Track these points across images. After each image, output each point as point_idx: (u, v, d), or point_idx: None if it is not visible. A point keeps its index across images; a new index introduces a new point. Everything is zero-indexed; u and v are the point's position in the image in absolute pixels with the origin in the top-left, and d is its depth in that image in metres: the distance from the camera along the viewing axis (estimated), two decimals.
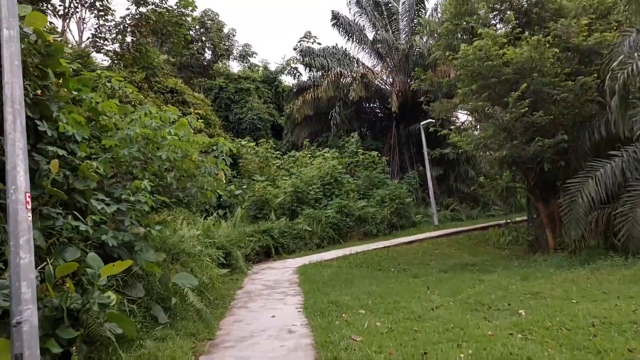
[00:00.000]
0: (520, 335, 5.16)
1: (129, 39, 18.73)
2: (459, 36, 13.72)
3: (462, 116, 25.59)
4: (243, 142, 22.42)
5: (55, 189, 4.45)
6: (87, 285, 4.43)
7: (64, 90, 4.99)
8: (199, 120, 8.22)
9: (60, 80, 5.03)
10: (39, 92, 4.56)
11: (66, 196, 4.50)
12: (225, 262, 11.76)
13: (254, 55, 38.65)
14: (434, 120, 19.09)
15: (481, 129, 12.33)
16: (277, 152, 23.40)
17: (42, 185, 4.39)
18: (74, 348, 3.93)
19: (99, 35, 17.93)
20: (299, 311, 7.37)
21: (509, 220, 15.01)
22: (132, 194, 5.38)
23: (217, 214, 17.09)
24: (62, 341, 4.08)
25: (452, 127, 19.33)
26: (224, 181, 7.95)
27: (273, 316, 7.10)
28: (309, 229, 14.99)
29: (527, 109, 10.65)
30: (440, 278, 10.05)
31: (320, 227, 15.32)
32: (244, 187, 18.05)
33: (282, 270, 11.78)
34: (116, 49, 19.65)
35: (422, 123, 19.03)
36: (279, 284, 10.10)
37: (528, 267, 10.63)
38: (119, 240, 4.97)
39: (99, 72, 6.76)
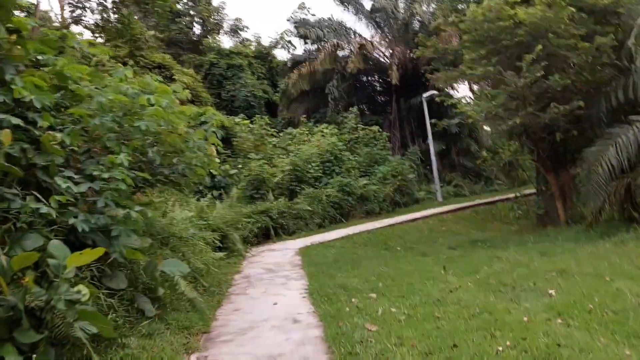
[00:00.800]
0: (560, 321, 4.50)
1: (110, 7, 17.73)
2: None
3: (464, 89, 24.78)
4: (237, 120, 21.56)
5: (9, 165, 3.69)
6: (54, 279, 3.71)
7: (18, 48, 4.18)
8: (185, 90, 7.40)
9: (14, 37, 4.22)
10: None
11: (21, 173, 3.74)
12: (221, 245, 11.08)
13: (246, 29, 37.35)
14: (437, 92, 18.30)
15: (489, 98, 11.51)
16: (273, 129, 22.53)
17: None
18: (35, 356, 3.22)
19: (78, 4, 16.88)
20: (304, 297, 6.71)
21: (518, 194, 14.33)
22: (107, 171, 4.61)
23: (212, 194, 16.37)
24: (23, 346, 3.39)
25: (457, 97, 18.57)
26: (215, 156, 7.16)
27: (275, 303, 6.44)
28: (309, 208, 14.30)
29: (542, 72, 9.84)
30: (452, 256, 9.40)
31: (321, 207, 14.64)
32: (239, 166, 17.28)
33: (283, 252, 11.12)
34: (97, 22, 18.63)
35: (424, 95, 18.20)
36: (280, 267, 9.44)
37: (544, 242, 9.98)
38: (91, 225, 4.23)
39: (64, 31, 5.89)
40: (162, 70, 21.44)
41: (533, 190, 15.52)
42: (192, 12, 36.78)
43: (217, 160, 7.38)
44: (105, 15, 19.24)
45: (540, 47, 10.06)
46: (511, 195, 19.16)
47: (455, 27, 15.58)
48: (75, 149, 4.96)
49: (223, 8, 37.58)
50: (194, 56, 32.89)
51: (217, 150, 8.45)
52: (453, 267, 8.09)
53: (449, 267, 8.07)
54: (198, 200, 14.96)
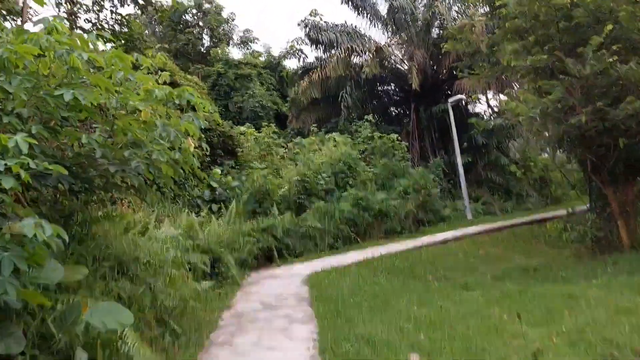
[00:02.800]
0: None
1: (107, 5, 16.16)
2: None
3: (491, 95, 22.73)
4: (242, 129, 19.69)
5: None
6: None
7: None
8: (164, 72, 5.49)
9: None
10: None
11: None
12: (213, 270, 9.07)
13: (256, 41, 35.92)
14: (463, 97, 16.30)
15: (540, 94, 9.43)
16: (282, 140, 20.61)
17: None
18: None
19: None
20: (312, 356, 4.63)
21: (570, 210, 12.12)
22: None
23: (210, 209, 14.40)
24: None
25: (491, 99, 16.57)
26: (194, 151, 5.17)
27: None
28: (320, 226, 12.21)
29: (615, 57, 7.77)
30: (505, 290, 7.24)
31: (334, 224, 12.54)
32: (243, 178, 15.32)
33: (287, 280, 9.03)
34: (93, 20, 17.04)
35: (450, 100, 16.17)
36: (283, 300, 7.35)
37: (622, 273, 7.78)
38: None
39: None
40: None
41: (582, 208, 13.32)
42: (200, 23, 35.50)
43: (194, 158, 5.33)
44: (101, 15, 17.73)
45: (610, 26, 8.01)
46: (547, 215, 16.98)
47: (487, 19, 13.70)
48: None
49: (232, 19, 36.26)
50: (201, 67, 31.40)
51: (201, 147, 6.47)
52: (513, 309, 5.96)
53: (509, 309, 5.95)
54: (196, 215, 13.05)
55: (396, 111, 24.01)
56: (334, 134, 17.54)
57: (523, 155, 22.06)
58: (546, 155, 24.00)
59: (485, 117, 21.70)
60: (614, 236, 10.85)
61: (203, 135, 10.17)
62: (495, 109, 20.81)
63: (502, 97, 10.57)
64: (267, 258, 11.14)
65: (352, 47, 19.34)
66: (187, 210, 12.32)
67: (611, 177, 10.90)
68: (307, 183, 13.94)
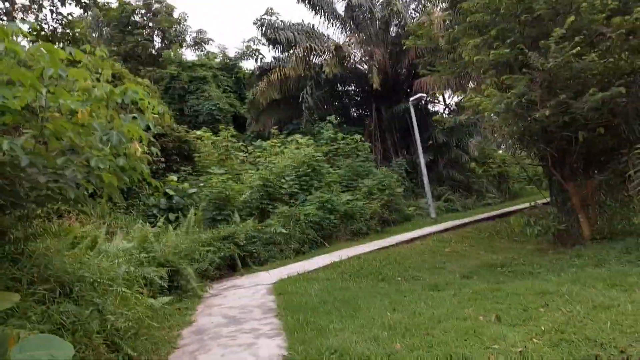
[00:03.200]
0: None
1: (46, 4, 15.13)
2: None
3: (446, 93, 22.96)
4: (198, 133, 19.00)
5: None
6: None
7: None
8: (105, 60, 4.94)
9: None
10: None
11: None
12: (171, 284, 8.48)
13: (210, 42, 35.28)
14: (425, 95, 16.30)
15: (503, 89, 9.39)
16: (241, 144, 20.04)
17: None
18: None
19: None
20: None
21: (533, 204, 12.21)
22: None
23: (167, 219, 13.70)
24: None
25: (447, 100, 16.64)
26: (142, 156, 4.66)
27: None
28: (285, 231, 11.79)
29: (578, 49, 7.76)
30: (476, 289, 7.05)
31: (299, 229, 12.15)
32: (201, 184, 14.71)
33: (252, 290, 8.57)
34: (32, 20, 15.93)
35: (411, 99, 16.11)
36: (248, 313, 6.89)
37: (589, 265, 7.79)
38: None
39: None
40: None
41: (542, 202, 13.51)
42: (151, 24, 34.30)
43: (143, 165, 4.82)
44: (40, 15, 16.63)
45: (572, 18, 8.03)
46: (508, 209, 17.24)
47: (447, 15, 13.69)
48: None
49: (185, 20, 35.28)
50: (152, 69, 30.30)
51: (151, 152, 5.93)
52: (485, 308, 5.78)
53: (484, 309, 5.76)
54: (152, 225, 12.36)
55: (358, 112, 23.89)
56: (296, 135, 17.16)
57: (481, 152, 22.43)
58: (502, 151, 24.57)
59: (444, 116, 21.87)
60: (575, 229, 11.00)
61: (153, 139, 9.59)
62: (454, 107, 21.03)
63: (463, 94, 10.47)
64: (229, 267, 10.63)
65: (311, 46, 19.03)
66: (141, 221, 11.63)
67: (571, 172, 11.06)
68: (270, 187, 13.51)
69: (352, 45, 18.10)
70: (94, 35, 31.48)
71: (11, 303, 3.20)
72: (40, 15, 16.42)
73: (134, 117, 4.26)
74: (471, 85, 15.72)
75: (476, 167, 21.94)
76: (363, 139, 17.82)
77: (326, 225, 12.99)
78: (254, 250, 11.10)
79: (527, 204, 17.86)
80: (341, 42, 19.28)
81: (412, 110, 16.14)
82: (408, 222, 15.48)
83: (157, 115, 6.26)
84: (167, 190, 14.81)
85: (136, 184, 12.95)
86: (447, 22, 14.29)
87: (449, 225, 14.15)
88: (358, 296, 7.35)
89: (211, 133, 18.82)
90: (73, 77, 3.58)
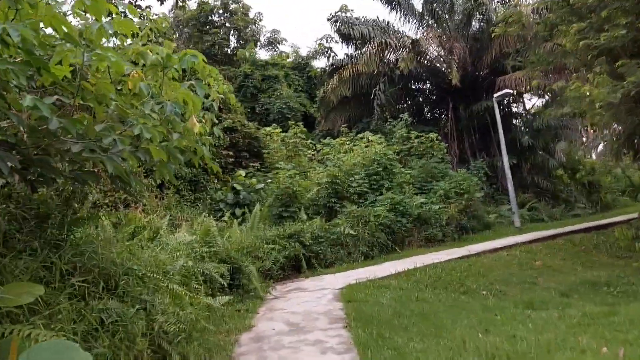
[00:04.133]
0: None
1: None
2: None
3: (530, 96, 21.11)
4: (269, 129, 18.69)
5: None
6: None
7: None
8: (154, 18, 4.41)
9: None
10: None
11: None
12: (232, 282, 7.96)
13: (283, 42, 35.10)
14: (511, 91, 14.81)
15: (614, 78, 7.96)
16: (310, 141, 19.50)
17: None
18: None
19: None
20: None
21: None
22: None
23: (233, 213, 13.38)
24: None
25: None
26: (201, 131, 4.05)
27: None
28: (353, 232, 10.97)
29: None
30: (585, 312, 5.83)
31: (368, 231, 11.28)
32: (269, 180, 14.28)
33: (317, 294, 7.83)
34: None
35: (496, 95, 14.68)
36: (312, 321, 6.15)
37: None
38: None
39: None
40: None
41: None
42: (227, 24, 34.91)
43: (204, 147, 4.22)
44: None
45: None
46: (603, 221, 15.26)
47: (540, 3, 12.23)
48: None
49: (260, 19, 35.54)
50: (227, 68, 30.74)
51: (214, 133, 5.35)
52: (612, 339, 4.60)
53: (602, 338, 4.59)
54: (218, 220, 12.06)
55: (432, 111, 22.60)
56: (367, 132, 16.29)
57: (569, 157, 20.33)
58: (594, 157, 22.15)
59: (529, 116, 20.05)
60: None
61: (217, 121, 9.06)
62: (545, 102, 19.15)
63: (564, 84, 9.07)
64: (294, 268, 9.99)
65: (385, 41, 18.07)
66: (206, 213, 11.30)
67: None
68: (338, 185, 12.75)
69: (430, 40, 16.91)
70: (175, 36, 32.53)
71: (33, 296, 2.66)
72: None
73: (191, 85, 3.63)
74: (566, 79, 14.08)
75: (564, 174, 19.98)
76: (439, 137, 16.57)
77: (397, 229, 12.00)
78: (320, 251, 10.38)
79: (628, 216, 15.88)
80: (418, 38, 18.14)
81: (496, 107, 14.70)
82: (488, 231, 14.09)
83: (221, 95, 5.71)
84: (234, 185, 14.54)
85: (197, 168, 12.61)
86: (541, 9, 12.82)
87: (536, 235, 12.63)
88: (439, 310, 6.36)
89: (280, 130, 18.44)
90: (120, 31, 2.97)
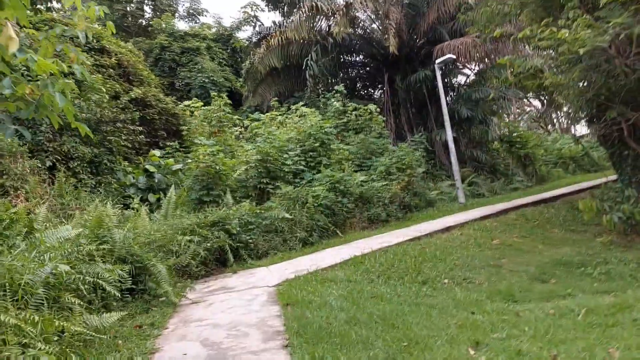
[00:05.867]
0: None
1: None
2: None
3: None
4: (188, 103, 16.54)
5: None
6: None
7: None
8: None
9: None
10: None
11: None
12: (134, 287, 6.14)
13: (205, 13, 32.27)
14: (454, 57, 13.82)
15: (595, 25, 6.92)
16: (237, 117, 17.58)
17: None
18: None
19: None
20: None
21: (606, 180, 9.84)
22: None
23: (146, 200, 11.32)
24: None
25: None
26: (54, 72, 2.22)
27: None
28: (289, 216, 9.41)
29: None
30: (578, 303, 4.72)
31: (307, 213, 9.77)
32: (189, 161, 12.28)
33: (247, 295, 6.21)
34: None
35: (438, 60, 13.58)
36: (242, 337, 4.54)
37: None
38: None
39: None
40: (88, 42, 16.05)
41: (603, 180, 11.17)
42: None
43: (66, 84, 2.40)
44: None
45: None
46: (547, 194, 14.84)
47: None
48: None
49: None
50: (142, 40, 27.60)
51: (71, 74, 3.51)
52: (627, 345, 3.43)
53: (622, 339, 3.42)
54: (125, 207, 10.00)
55: (366, 85, 21.37)
56: (300, 104, 14.68)
57: (507, 129, 20.06)
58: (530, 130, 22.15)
59: (465, 88, 19.41)
60: None
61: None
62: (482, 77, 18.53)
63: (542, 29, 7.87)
64: (218, 261, 8.26)
65: (317, 4, 16.42)
66: (105, 200, 9.20)
67: None
68: (270, 164, 11.09)
69: (365, 2, 15.49)
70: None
71: None
72: None
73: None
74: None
75: (500, 146, 19.68)
76: (378, 109, 15.33)
77: (338, 210, 10.61)
78: (251, 240, 8.72)
79: (572, 187, 15.66)
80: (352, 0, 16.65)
81: (438, 74, 13.61)
82: (432, 208, 13.12)
83: (95, 25, 3.92)
84: (147, 166, 12.40)
85: (97, 146, 10.25)
86: None
87: (484, 212, 11.79)
88: (403, 312, 4.99)
89: (202, 104, 16.35)
90: None
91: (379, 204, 11.52)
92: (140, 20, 31.35)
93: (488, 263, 7.56)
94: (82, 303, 4.60)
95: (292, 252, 8.94)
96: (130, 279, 5.94)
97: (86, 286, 4.85)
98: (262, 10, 22.04)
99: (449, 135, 13.67)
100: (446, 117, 13.65)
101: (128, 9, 29.93)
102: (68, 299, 4.38)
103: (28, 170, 8.70)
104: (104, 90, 11.39)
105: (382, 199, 11.66)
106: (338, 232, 10.16)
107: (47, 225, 6.99)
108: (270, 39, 17.79)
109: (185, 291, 6.65)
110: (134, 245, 6.39)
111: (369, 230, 10.62)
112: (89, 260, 5.58)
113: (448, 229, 9.82)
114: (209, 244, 7.90)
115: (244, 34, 27.26)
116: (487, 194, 16.29)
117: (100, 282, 4.95)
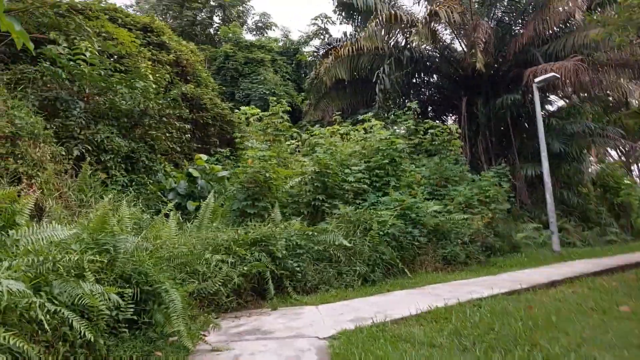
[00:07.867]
0: None
1: None
2: None
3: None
4: (245, 109, 15.25)
5: None
6: None
7: None
8: None
9: None
10: None
11: None
12: (137, 317, 4.46)
13: (273, 27, 31.65)
14: (558, 75, 11.63)
15: None
16: (295, 130, 16.09)
17: None
18: None
19: None
20: None
21: None
22: None
23: (183, 207, 9.84)
24: None
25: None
26: None
27: None
28: (347, 243, 7.52)
29: None
30: None
31: (369, 242, 7.85)
32: (238, 167, 10.78)
33: (289, 351, 4.33)
34: None
35: (537, 80, 11.44)
36: None
37: None
38: None
39: None
40: (147, 34, 15.25)
41: None
42: (212, 2, 31.42)
43: None
44: None
45: None
46: None
47: None
48: None
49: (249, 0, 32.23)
50: (207, 47, 27.18)
51: None
52: None
53: None
54: (155, 214, 8.51)
55: (439, 107, 19.37)
56: (369, 114, 12.93)
57: (602, 172, 17.32)
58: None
59: (560, 120, 16.94)
60: None
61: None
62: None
63: None
64: (255, 292, 6.47)
65: (395, 13, 14.79)
66: (137, 202, 7.74)
67: None
68: (328, 178, 9.32)
69: (453, 9, 13.62)
70: (146, 7, 28.92)
71: None
72: None
73: None
74: None
75: (593, 191, 16.97)
76: (459, 131, 13.29)
77: (407, 243, 8.61)
78: (298, 268, 6.89)
79: None
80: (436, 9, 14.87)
81: (536, 95, 11.43)
82: (518, 254, 10.81)
83: None
84: (190, 170, 11.02)
85: (135, 140, 9.08)
86: None
87: (590, 266, 9.35)
88: None
89: (259, 111, 15.00)
90: None
91: (456, 241, 9.41)
92: (209, 29, 31.21)
93: (629, 341, 5.27)
94: (32, 347, 2.91)
95: (348, 290, 7.02)
96: (133, 306, 4.27)
97: (49, 318, 3.19)
98: (333, 23, 20.75)
99: (545, 168, 11.40)
100: (543, 146, 11.42)
101: (198, 17, 29.82)
102: (5, 339, 2.70)
103: (48, 157, 7.39)
104: (152, 78, 10.15)
105: (460, 235, 9.54)
106: (406, 270, 8.13)
107: (51, 222, 5.52)
108: (340, 49, 16.31)
109: (207, 330, 4.88)
110: (145, 259, 4.73)
111: (444, 272, 8.52)
112: (75, 275, 3.96)
113: (553, 283, 7.55)
114: (246, 268, 6.15)
115: (310, 48, 26.11)
116: (579, 243, 13.65)
117: (69, 316, 3.25)
